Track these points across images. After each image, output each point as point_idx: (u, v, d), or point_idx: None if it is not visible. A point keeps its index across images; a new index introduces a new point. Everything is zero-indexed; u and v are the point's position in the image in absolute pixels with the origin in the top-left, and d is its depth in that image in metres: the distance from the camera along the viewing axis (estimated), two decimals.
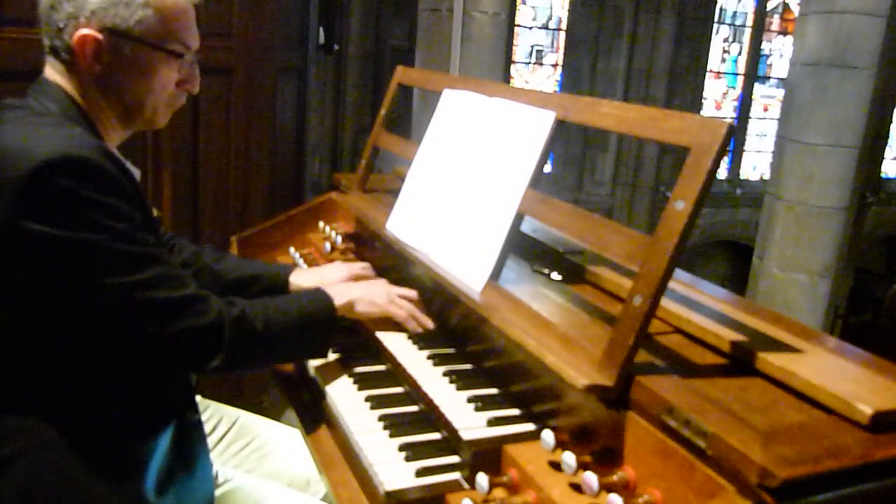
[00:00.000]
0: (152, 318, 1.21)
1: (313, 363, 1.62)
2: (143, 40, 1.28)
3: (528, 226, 1.72)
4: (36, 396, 1.21)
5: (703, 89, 10.04)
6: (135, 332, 1.22)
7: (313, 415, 1.56)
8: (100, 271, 1.15)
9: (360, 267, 1.88)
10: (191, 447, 1.38)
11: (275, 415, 2.15)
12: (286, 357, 1.60)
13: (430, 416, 1.40)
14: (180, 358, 1.30)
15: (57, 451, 1.20)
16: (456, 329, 1.62)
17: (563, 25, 9.46)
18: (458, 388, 1.43)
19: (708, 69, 10.02)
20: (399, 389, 1.52)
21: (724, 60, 10.31)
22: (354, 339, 1.71)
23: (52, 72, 1.30)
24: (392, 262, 1.91)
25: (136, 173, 1.42)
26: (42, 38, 1.30)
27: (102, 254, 1.15)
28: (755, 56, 10.32)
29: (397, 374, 1.55)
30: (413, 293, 1.69)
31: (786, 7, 10.39)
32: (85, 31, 1.24)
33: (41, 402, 1.21)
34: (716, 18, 9.93)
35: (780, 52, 10.50)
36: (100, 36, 1.25)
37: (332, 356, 1.63)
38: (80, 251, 1.14)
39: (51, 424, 1.20)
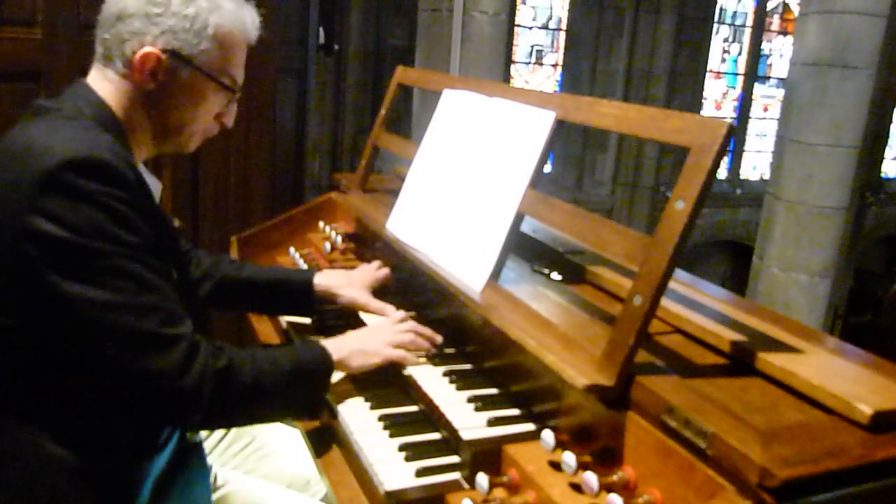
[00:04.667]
0: (130, 347, 1.12)
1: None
2: (202, 69, 1.31)
3: (528, 226, 1.72)
4: (29, 408, 1.18)
5: (703, 89, 10.03)
6: (108, 356, 1.13)
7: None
8: (93, 280, 1.10)
9: (384, 274, 1.89)
10: (189, 466, 1.37)
11: None
12: (277, 413, 1.44)
13: (430, 416, 1.40)
14: (153, 402, 1.18)
15: (48, 466, 1.17)
16: (456, 329, 1.62)
17: (563, 25, 9.45)
18: (458, 388, 1.43)
19: (708, 69, 10.00)
20: (399, 390, 1.52)
21: (724, 60, 10.30)
22: None
23: (98, 79, 1.30)
24: (392, 262, 1.92)
25: (158, 187, 1.42)
26: (94, 43, 1.31)
27: (101, 263, 1.11)
28: (755, 56, 10.31)
29: (397, 374, 1.55)
30: (410, 328, 1.59)
31: (786, 7, 10.38)
32: (149, 48, 1.26)
33: (35, 415, 1.18)
34: (716, 18, 9.91)
35: (780, 52, 10.48)
36: (163, 56, 1.27)
37: None
38: (80, 255, 1.09)
39: (44, 439, 1.17)
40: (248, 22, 1.37)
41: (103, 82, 1.30)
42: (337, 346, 1.47)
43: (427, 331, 1.60)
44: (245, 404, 1.28)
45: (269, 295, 1.79)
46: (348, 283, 1.80)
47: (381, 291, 1.86)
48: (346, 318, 1.82)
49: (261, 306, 1.89)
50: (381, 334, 1.56)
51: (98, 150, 1.13)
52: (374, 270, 1.89)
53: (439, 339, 1.60)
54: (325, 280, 1.80)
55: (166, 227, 1.32)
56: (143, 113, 1.31)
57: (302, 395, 1.39)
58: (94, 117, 1.25)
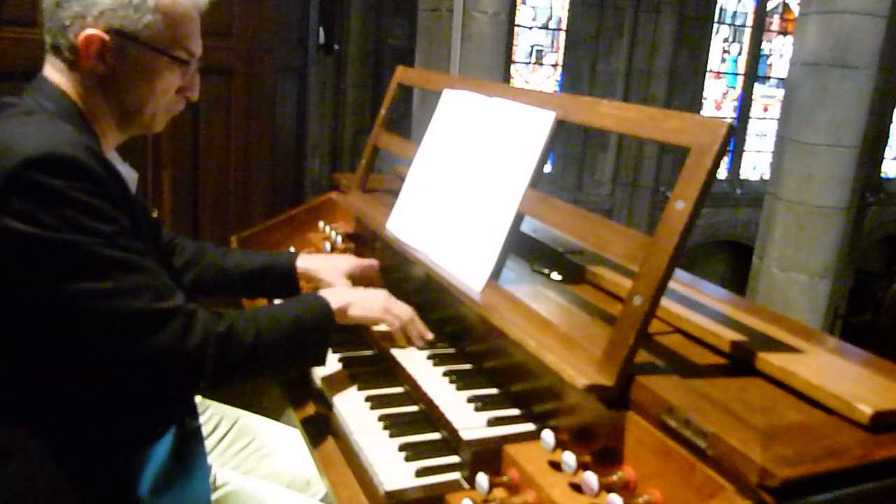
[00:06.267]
0: (128, 329, 1.14)
1: (315, 367, 1.61)
2: (149, 44, 1.27)
3: (528, 226, 1.72)
4: (28, 402, 1.19)
5: (703, 89, 10.03)
6: (109, 343, 1.15)
7: (313, 415, 1.56)
8: (76, 274, 1.11)
9: (368, 262, 1.89)
10: (189, 453, 1.37)
11: (275, 415, 2.15)
12: (281, 368, 1.50)
13: (430, 416, 1.40)
14: (159, 376, 1.21)
15: (49, 458, 1.17)
16: (456, 329, 1.62)
17: (563, 25, 9.45)
18: (458, 388, 1.43)
19: (708, 69, 10.00)
20: (399, 389, 1.52)
21: (724, 60, 10.30)
22: (354, 339, 1.71)
23: (52, 70, 1.28)
24: (392, 262, 1.92)
25: (133, 175, 1.41)
26: (43, 36, 1.28)
27: (81, 256, 1.11)
28: (755, 56, 10.30)
29: (397, 373, 1.55)
30: (410, 310, 1.63)
31: (786, 7, 10.38)
32: (91, 30, 1.23)
33: (33, 408, 1.19)
34: (716, 18, 9.91)
35: (780, 52, 10.48)
36: (106, 37, 1.24)
37: (331, 357, 1.63)
38: (58, 251, 1.10)
39: (44, 431, 1.18)
40: None
41: (57, 73, 1.28)
42: (337, 296, 1.52)
43: (422, 326, 1.62)
44: (248, 363, 1.30)
45: (254, 280, 1.79)
46: (329, 268, 1.81)
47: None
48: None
49: (246, 291, 1.90)
50: (381, 298, 1.60)
51: (60, 145, 1.11)
52: (359, 259, 1.89)
53: (430, 335, 1.62)
54: (306, 263, 1.81)
55: (143, 215, 1.32)
56: (101, 99, 1.29)
57: (304, 347, 1.43)
58: (56, 110, 1.24)
